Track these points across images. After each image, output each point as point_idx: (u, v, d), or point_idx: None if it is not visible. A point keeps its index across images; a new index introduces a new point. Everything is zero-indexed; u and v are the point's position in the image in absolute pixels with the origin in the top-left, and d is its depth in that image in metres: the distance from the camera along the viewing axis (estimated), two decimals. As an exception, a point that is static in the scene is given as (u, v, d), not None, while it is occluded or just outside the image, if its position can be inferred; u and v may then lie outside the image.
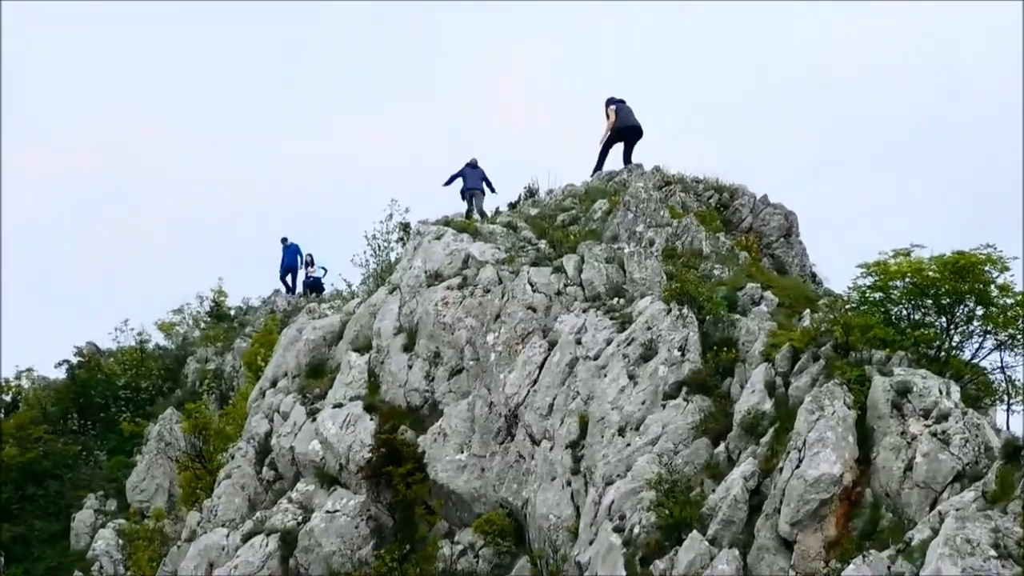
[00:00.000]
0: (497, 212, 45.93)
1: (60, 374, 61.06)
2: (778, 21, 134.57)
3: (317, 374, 42.13)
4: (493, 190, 47.45)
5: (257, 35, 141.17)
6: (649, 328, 34.11)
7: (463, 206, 47.25)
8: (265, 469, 40.70)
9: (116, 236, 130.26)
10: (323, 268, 59.22)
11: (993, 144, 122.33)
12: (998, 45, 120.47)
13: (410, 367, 39.08)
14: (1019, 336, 31.30)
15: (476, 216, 45.75)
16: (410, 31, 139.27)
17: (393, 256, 47.50)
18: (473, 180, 46.90)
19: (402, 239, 48.01)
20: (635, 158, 45.99)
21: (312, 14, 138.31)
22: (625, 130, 46.07)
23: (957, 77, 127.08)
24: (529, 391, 35.79)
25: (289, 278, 61.42)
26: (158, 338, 63.82)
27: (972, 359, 32.00)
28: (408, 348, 39.58)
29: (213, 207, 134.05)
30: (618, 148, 46.42)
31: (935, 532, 24.62)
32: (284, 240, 61.33)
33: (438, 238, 41.72)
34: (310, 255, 59.39)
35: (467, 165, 47.14)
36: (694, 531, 28.78)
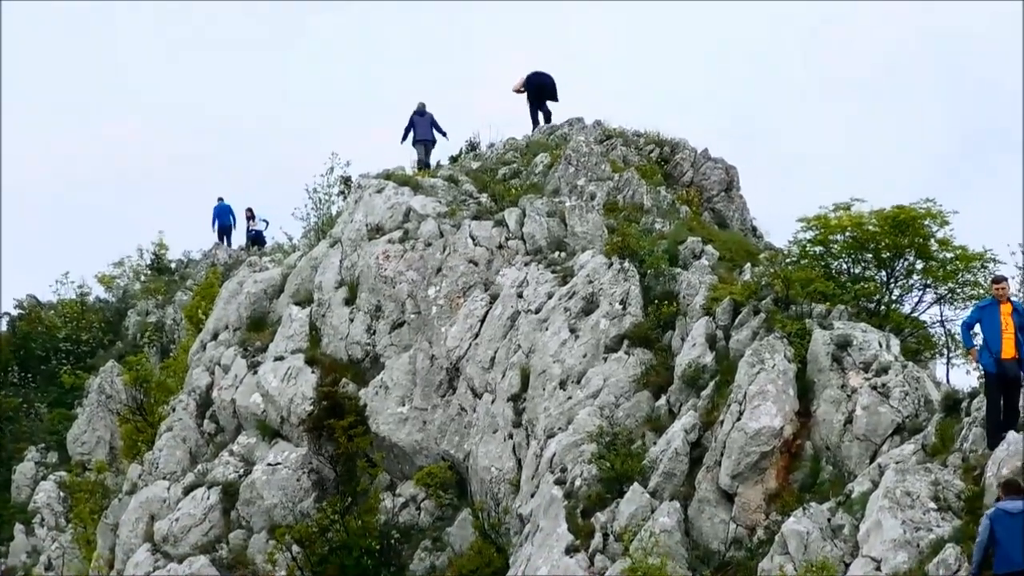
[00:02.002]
0: (438, 166, 45.41)
1: (0, 327, 60.28)
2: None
3: (258, 327, 41.65)
4: (445, 135, 46.82)
5: (252, 39, 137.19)
6: (590, 282, 33.87)
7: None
8: (206, 422, 40.27)
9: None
10: (264, 221, 58.41)
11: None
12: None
13: (351, 320, 38.70)
14: (959, 290, 31.28)
15: (420, 168, 45.09)
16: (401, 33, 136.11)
17: (334, 209, 46.95)
18: (422, 129, 46.19)
19: (343, 192, 47.44)
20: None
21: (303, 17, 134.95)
22: (535, 76, 45.84)
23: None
24: (471, 344, 35.52)
25: (225, 238, 60.71)
26: (98, 291, 63.06)
27: (912, 313, 31.97)
28: (349, 301, 39.15)
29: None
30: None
31: (875, 485, 24.58)
32: (221, 200, 60.59)
33: (379, 191, 41.23)
34: (250, 209, 58.63)
35: (415, 113, 46.42)
36: (635, 483, 28.70)
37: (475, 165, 43.74)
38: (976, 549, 20.67)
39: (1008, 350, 23.51)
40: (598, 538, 28.24)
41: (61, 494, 48.37)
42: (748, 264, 33.36)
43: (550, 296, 34.53)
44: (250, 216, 58.92)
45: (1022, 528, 20.23)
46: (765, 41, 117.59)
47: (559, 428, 31.34)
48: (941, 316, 31.96)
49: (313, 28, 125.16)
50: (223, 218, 60.19)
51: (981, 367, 24.16)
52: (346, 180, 47.48)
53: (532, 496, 30.87)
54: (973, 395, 25.48)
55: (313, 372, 37.91)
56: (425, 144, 45.93)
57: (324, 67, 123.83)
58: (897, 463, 24.69)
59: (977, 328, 24.12)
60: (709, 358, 30.45)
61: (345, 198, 45.44)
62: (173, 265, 63.77)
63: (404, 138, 46.15)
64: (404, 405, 36.13)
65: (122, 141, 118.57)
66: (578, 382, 32.08)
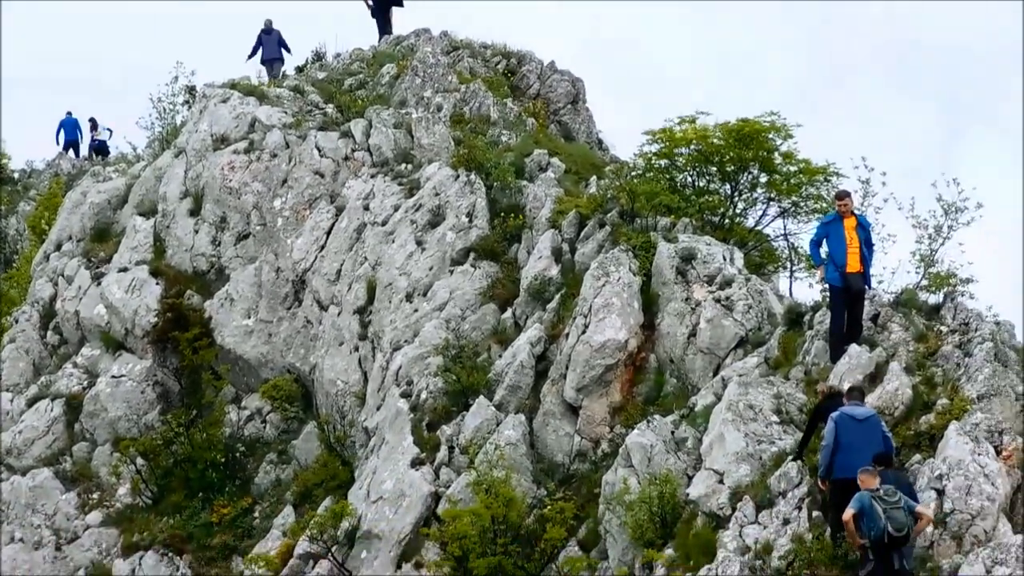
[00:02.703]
0: (284, 76, 44.33)
1: None
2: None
3: (102, 238, 40.46)
4: (290, 51, 45.68)
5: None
6: (437, 194, 33.28)
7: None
8: (50, 333, 39.10)
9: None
10: (108, 130, 56.84)
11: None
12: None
13: (196, 232, 37.73)
14: (802, 203, 31.14)
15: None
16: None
17: (179, 119, 45.76)
18: (269, 48, 44.97)
19: (188, 102, 46.25)
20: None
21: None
22: None
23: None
24: (317, 257, 34.81)
25: (71, 152, 59.07)
26: (-61, 200, 61.09)
27: (756, 226, 31.88)
28: (194, 212, 38.16)
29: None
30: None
31: (718, 398, 24.40)
32: (69, 114, 58.90)
33: (224, 101, 40.13)
34: (93, 119, 56.99)
35: (262, 32, 45.19)
36: (481, 396, 28.36)
37: (321, 75, 42.82)
38: (823, 453, 20.34)
39: (853, 264, 23.32)
40: (443, 451, 27.91)
41: (-96, 406, 46.95)
42: (594, 177, 33.01)
43: (396, 208, 33.92)
44: (93, 126, 57.25)
45: (868, 435, 19.92)
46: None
47: (405, 341, 30.83)
48: (785, 230, 31.96)
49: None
50: (70, 132, 58.40)
51: (827, 281, 23.93)
52: (191, 90, 46.27)
53: (378, 409, 30.38)
54: (816, 308, 25.38)
55: (157, 284, 36.97)
56: (273, 63, 44.79)
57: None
58: (740, 376, 24.51)
59: (824, 244, 23.84)
60: (555, 271, 30.10)
61: (190, 108, 44.26)
62: (16, 175, 61.91)
63: (251, 56, 44.91)
64: (249, 318, 35.40)
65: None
66: (424, 295, 31.57)
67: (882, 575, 18.26)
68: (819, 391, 22.09)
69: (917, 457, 20.66)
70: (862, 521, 18.41)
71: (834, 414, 20.33)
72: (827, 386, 21.98)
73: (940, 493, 19.63)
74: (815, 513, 20.71)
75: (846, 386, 21.64)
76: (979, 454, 19.91)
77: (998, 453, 20.23)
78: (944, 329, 23.45)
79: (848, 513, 18.61)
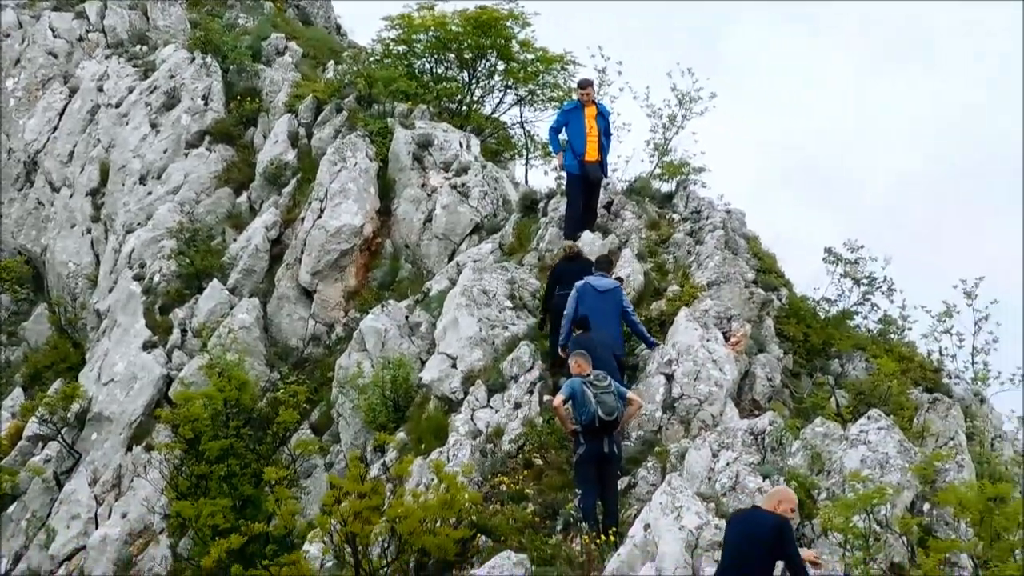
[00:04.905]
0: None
1: None
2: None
3: None
4: None
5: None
6: (172, 76, 31.70)
7: None
8: None
9: None
10: None
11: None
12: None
13: (-76, 112, 35.57)
14: (539, 92, 30.45)
15: None
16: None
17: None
18: None
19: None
20: None
21: None
22: None
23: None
24: (49, 138, 33.03)
25: None
26: None
27: (493, 114, 31.08)
28: (-77, 92, 36.00)
29: None
30: None
31: (453, 283, 23.49)
32: None
33: (-47, -20, 37.91)
34: None
35: None
36: (215, 280, 27.02)
37: (56, -45, 40.64)
38: (564, 321, 19.43)
39: (592, 153, 22.50)
40: (176, 334, 26.56)
41: None
42: (332, 62, 31.89)
43: (131, 90, 32.36)
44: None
45: (606, 306, 19.12)
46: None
47: (138, 224, 29.31)
48: (521, 117, 31.28)
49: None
50: None
51: (564, 169, 23.16)
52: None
53: (110, 291, 28.88)
54: (550, 196, 24.72)
55: None
56: None
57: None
58: (475, 262, 23.66)
59: (564, 132, 23.02)
60: (291, 156, 28.93)
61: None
62: None
63: None
64: (-20, 199, 33.56)
65: None
66: (158, 178, 30.10)
67: (592, 458, 17.45)
68: (563, 248, 21.32)
69: (647, 342, 20.07)
70: (573, 407, 17.61)
71: (578, 283, 19.48)
72: (568, 245, 21.21)
73: (669, 378, 19.01)
74: (546, 397, 19.97)
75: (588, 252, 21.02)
76: (708, 340, 19.34)
77: (727, 339, 19.74)
78: (676, 217, 23.04)
79: (558, 399, 17.67)
